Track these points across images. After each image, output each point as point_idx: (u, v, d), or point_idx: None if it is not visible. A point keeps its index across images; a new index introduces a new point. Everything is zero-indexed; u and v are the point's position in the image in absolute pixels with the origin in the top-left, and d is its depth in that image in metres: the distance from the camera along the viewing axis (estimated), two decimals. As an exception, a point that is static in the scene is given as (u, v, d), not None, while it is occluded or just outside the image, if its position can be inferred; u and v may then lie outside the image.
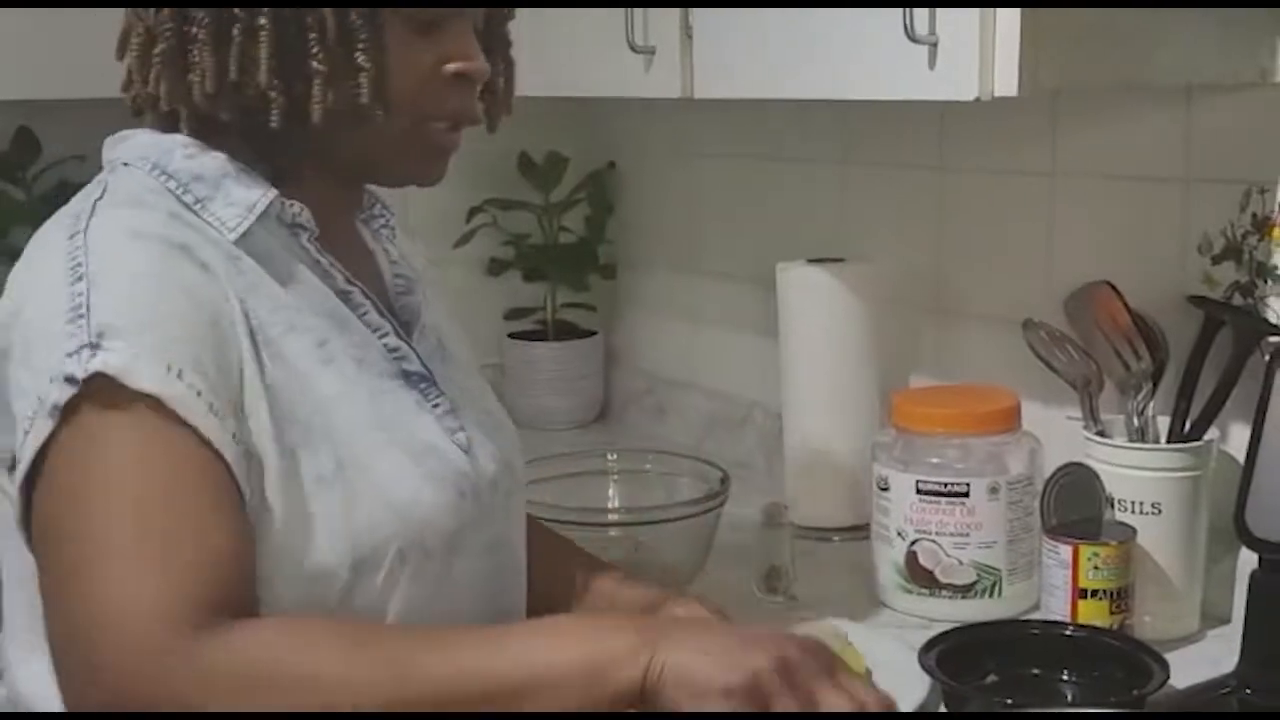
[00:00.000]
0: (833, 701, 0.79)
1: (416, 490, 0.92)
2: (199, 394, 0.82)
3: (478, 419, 1.03)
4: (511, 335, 2.21)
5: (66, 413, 0.82)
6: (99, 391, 0.81)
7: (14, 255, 0.94)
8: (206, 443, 0.82)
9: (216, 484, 0.82)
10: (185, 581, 0.78)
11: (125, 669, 0.75)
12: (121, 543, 0.78)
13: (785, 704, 0.78)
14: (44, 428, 0.82)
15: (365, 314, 0.97)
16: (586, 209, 2.21)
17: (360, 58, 0.91)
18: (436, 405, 0.98)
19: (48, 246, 0.90)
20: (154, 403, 0.81)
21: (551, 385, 2.17)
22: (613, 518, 1.50)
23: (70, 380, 0.82)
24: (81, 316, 0.83)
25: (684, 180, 2.09)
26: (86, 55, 1.14)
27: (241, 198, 0.92)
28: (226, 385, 0.84)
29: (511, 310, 2.24)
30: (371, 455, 0.91)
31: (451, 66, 0.95)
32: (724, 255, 2.02)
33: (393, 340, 0.98)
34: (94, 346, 0.81)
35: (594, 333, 2.24)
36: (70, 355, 0.82)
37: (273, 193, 0.94)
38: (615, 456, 1.61)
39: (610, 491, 1.57)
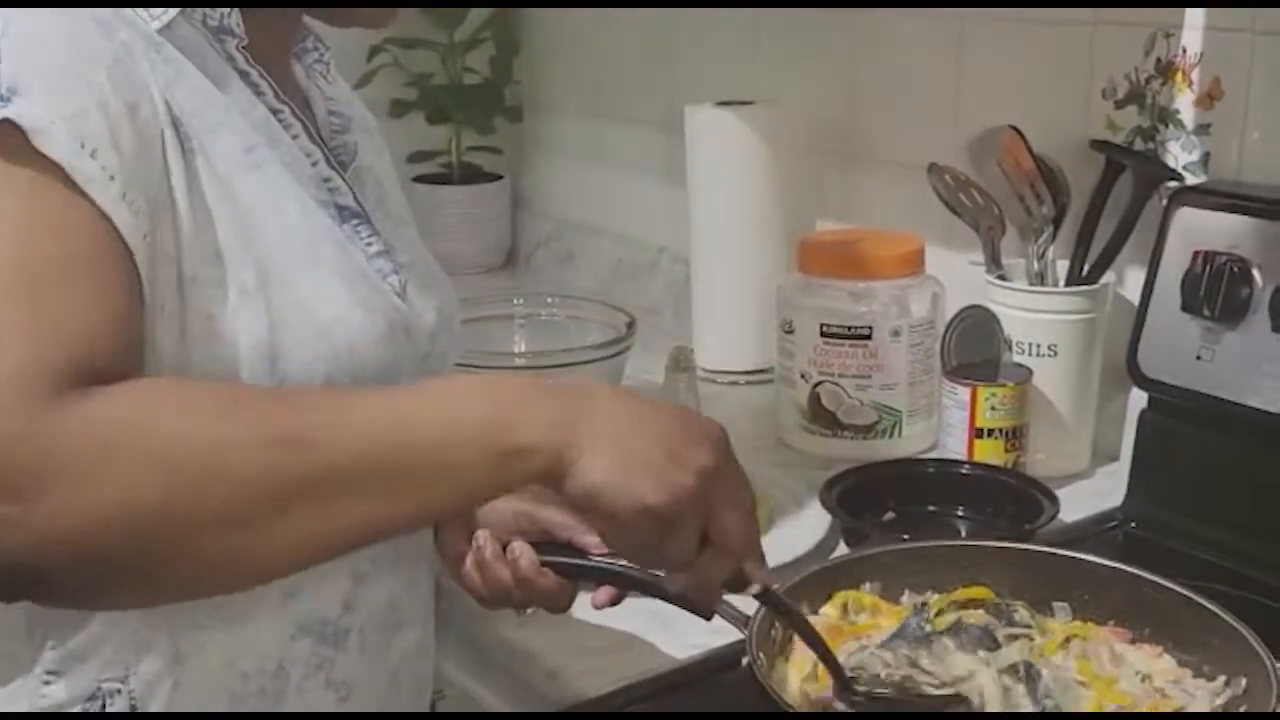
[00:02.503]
0: (732, 529, 0.76)
1: (344, 312, 0.85)
2: (112, 178, 0.74)
3: (414, 269, 0.96)
4: (415, 179, 2.18)
5: None
6: (1, 146, 0.72)
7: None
8: (114, 229, 0.74)
9: (117, 263, 0.74)
10: (67, 344, 0.70)
11: None
12: None
13: (688, 533, 0.75)
14: None
15: (296, 136, 0.89)
16: (492, 49, 2.16)
17: None
18: (370, 244, 0.91)
19: None
20: (61, 174, 0.72)
21: (457, 230, 2.14)
22: (519, 362, 1.50)
23: None
24: None
25: (591, 20, 2.05)
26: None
27: None
28: (145, 178, 0.76)
29: (415, 153, 2.19)
30: (296, 271, 0.83)
31: None
32: (633, 98, 1.99)
33: (325, 169, 0.90)
34: (3, 100, 0.72)
35: (500, 176, 2.21)
36: None
37: None
38: (521, 301, 1.60)
39: (516, 336, 1.56)
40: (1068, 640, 0.93)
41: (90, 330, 0.72)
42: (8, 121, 0.72)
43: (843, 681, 0.87)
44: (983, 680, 0.89)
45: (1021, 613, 0.95)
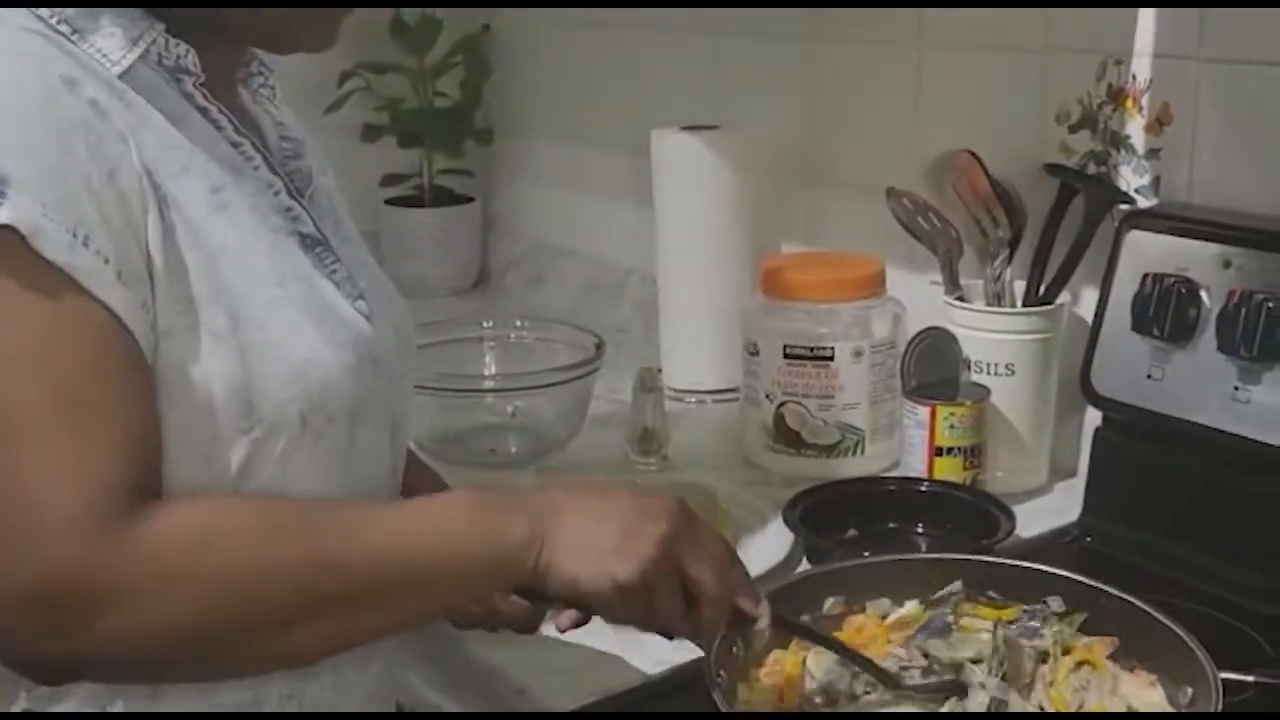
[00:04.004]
0: (706, 579, 0.84)
1: (315, 351, 0.87)
2: (107, 261, 0.76)
3: (374, 290, 0.98)
4: (388, 202, 2.20)
5: None
6: (1, 248, 0.74)
7: None
8: (116, 317, 0.77)
9: (129, 360, 0.77)
10: (113, 464, 0.74)
11: (59, 559, 0.71)
12: (40, 424, 0.73)
13: (667, 593, 0.83)
14: None
15: (257, 168, 0.90)
16: (462, 73, 2.18)
17: None
18: (334, 271, 0.93)
19: None
20: (60, 273, 0.74)
21: (428, 252, 2.16)
22: (488, 384, 1.52)
23: None
24: None
25: (560, 46, 2.08)
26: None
27: (124, 30, 0.84)
28: (133, 244, 0.78)
29: (387, 176, 2.21)
30: (267, 312, 0.85)
31: None
32: (601, 122, 2.02)
33: (286, 199, 0.91)
34: None
35: (471, 199, 2.23)
36: None
37: (159, 26, 0.86)
38: (490, 324, 1.62)
39: (486, 359, 1.58)
40: (1079, 665, 0.95)
41: (127, 444, 0.76)
42: (5, 227, 0.73)
43: (888, 679, 0.91)
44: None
45: (1046, 636, 0.96)
